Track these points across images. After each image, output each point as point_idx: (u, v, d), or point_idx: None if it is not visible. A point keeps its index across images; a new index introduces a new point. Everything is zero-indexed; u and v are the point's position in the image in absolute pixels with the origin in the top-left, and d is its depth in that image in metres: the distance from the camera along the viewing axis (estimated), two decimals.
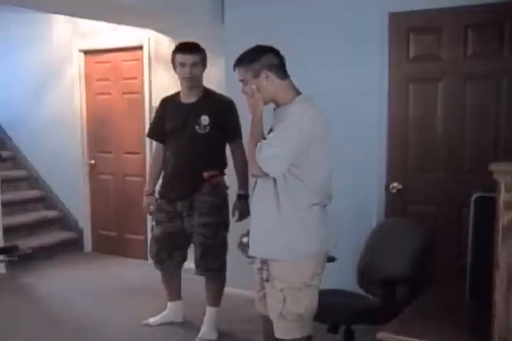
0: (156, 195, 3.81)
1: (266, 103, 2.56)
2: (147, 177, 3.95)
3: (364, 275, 3.14)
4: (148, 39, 5.43)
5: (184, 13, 4.66)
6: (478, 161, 3.52)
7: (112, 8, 4.38)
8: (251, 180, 3.37)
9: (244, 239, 2.74)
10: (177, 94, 3.77)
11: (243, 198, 3.60)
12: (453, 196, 3.64)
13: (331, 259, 3.05)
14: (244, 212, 3.51)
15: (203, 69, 3.64)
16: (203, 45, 3.70)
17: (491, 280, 1.72)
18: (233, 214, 3.63)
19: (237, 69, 2.58)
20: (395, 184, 3.84)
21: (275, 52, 2.56)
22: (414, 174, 3.83)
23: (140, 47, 5.52)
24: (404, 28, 3.77)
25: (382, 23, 3.81)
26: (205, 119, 3.54)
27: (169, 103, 3.77)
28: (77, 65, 5.99)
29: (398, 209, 3.85)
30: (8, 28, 6.19)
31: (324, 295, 2.90)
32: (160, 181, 3.84)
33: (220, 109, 3.61)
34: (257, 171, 2.47)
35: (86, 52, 5.96)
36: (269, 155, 2.40)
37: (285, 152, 2.41)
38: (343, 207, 3.87)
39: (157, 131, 3.80)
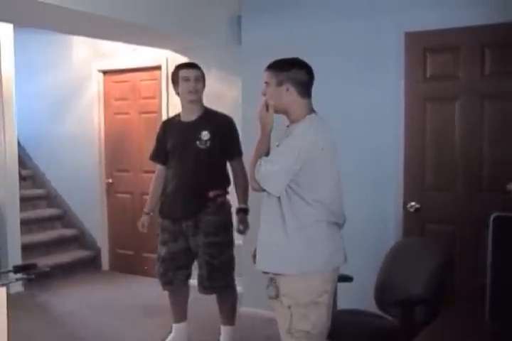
0: (159, 215, 3.79)
1: (277, 112, 2.58)
2: (149, 197, 3.92)
3: (382, 295, 3.11)
4: (166, 59, 5.50)
5: (202, 34, 4.71)
6: (497, 180, 3.49)
7: (131, 30, 4.45)
8: (251, 194, 3.39)
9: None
10: (177, 115, 3.81)
11: (243, 211, 3.65)
12: (471, 215, 3.61)
13: (348, 279, 3.04)
14: (246, 226, 3.64)
15: (203, 87, 3.69)
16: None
17: (511, 301, 1.70)
18: (237, 228, 3.64)
19: (266, 72, 2.60)
20: (413, 203, 3.82)
21: (307, 70, 2.59)
22: (431, 193, 3.80)
23: (158, 67, 5.59)
24: (421, 47, 3.78)
25: (399, 43, 3.83)
26: (205, 135, 3.55)
27: (170, 124, 3.82)
28: (96, 84, 6.07)
29: (416, 228, 3.83)
30: (29, 49, 6.30)
31: (342, 315, 2.89)
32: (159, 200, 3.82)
33: (221, 126, 3.65)
34: (256, 186, 2.51)
35: (105, 72, 6.05)
36: (268, 172, 2.45)
37: (283, 170, 2.44)
38: (360, 226, 3.86)
39: (159, 153, 3.81)
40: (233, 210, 3.72)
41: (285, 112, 2.59)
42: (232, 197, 3.73)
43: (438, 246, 3.05)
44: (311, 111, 2.59)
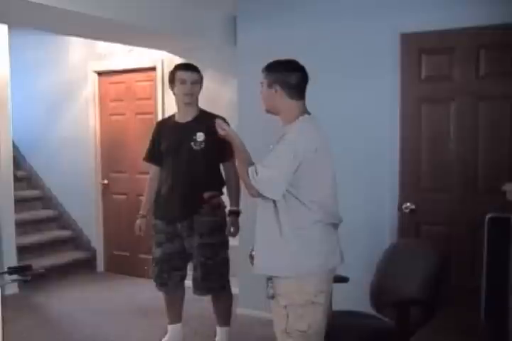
0: (153, 217, 3.78)
1: (270, 112, 2.63)
2: (144, 200, 3.91)
3: (377, 296, 3.11)
4: (162, 60, 5.49)
5: (197, 35, 4.71)
6: (492, 182, 3.50)
7: (126, 30, 4.44)
8: (244, 198, 3.39)
9: (254, 252, 2.75)
10: (172, 116, 3.82)
11: (235, 214, 3.66)
12: (466, 216, 3.62)
13: (344, 280, 3.04)
14: (236, 228, 3.66)
15: (200, 90, 3.69)
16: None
17: (506, 302, 1.70)
18: (228, 231, 3.64)
19: (263, 72, 2.63)
20: (408, 204, 3.82)
21: (300, 73, 2.60)
22: (427, 194, 3.81)
23: (154, 69, 5.59)
24: (416, 48, 3.79)
25: (394, 44, 3.83)
26: (200, 136, 3.55)
27: (164, 125, 3.82)
28: (91, 85, 6.06)
29: (411, 229, 3.83)
30: (25, 49, 6.28)
31: (337, 317, 2.88)
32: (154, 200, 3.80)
33: (215, 127, 3.64)
34: (254, 192, 2.49)
35: (100, 73, 6.04)
36: (265, 177, 2.43)
37: (281, 175, 2.43)
38: (356, 227, 3.87)
39: (153, 154, 3.80)
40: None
41: (277, 113, 2.62)
42: (225, 199, 3.73)
43: (433, 247, 3.05)
44: (304, 112, 2.59)
